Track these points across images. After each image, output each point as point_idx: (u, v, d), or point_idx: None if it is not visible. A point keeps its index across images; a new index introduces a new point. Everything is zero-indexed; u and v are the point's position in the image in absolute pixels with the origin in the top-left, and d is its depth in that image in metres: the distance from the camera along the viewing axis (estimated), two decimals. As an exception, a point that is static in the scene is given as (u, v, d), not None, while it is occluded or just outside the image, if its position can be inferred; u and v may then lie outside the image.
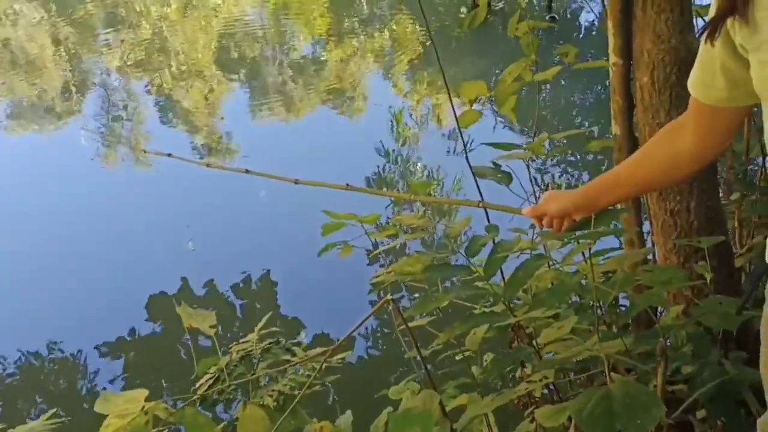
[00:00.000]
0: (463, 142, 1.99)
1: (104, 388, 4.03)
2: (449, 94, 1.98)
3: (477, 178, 1.98)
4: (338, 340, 1.72)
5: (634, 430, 1.20)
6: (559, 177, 4.96)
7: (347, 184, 1.69)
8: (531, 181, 2.18)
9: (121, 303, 4.59)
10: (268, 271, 4.67)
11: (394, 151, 6.25)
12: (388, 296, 1.48)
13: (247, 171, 1.91)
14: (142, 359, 4.18)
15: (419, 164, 6.06)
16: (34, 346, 4.34)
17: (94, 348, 4.27)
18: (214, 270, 4.76)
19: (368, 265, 3.76)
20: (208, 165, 2.01)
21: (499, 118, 5.64)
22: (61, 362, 4.27)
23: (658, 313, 2.26)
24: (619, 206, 1.78)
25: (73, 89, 7.95)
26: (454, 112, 2.01)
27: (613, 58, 1.98)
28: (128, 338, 4.34)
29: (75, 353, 4.31)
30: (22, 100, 7.75)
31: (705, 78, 1.24)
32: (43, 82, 8.19)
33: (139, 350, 4.25)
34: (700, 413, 1.87)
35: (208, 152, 6.62)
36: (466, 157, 1.98)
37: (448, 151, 5.92)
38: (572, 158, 5.19)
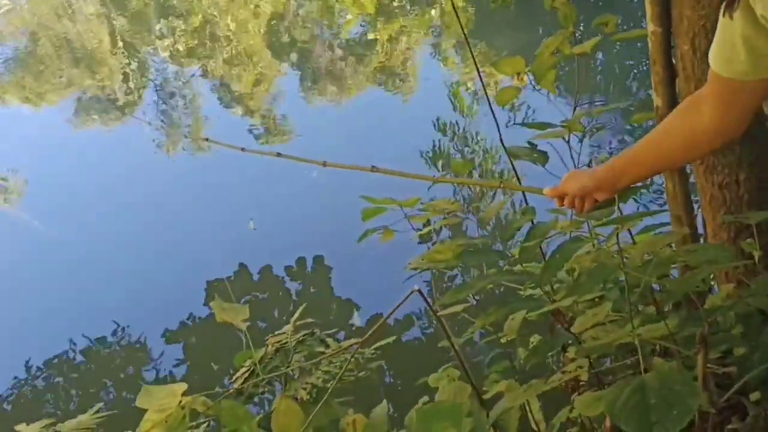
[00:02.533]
0: (496, 121, 1.93)
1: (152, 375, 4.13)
2: (478, 71, 1.92)
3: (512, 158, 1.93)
4: (381, 321, 1.69)
5: (670, 423, 1.14)
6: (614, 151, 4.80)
7: (373, 166, 1.66)
8: (572, 158, 2.10)
9: (181, 288, 4.70)
10: (321, 255, 4.69)
11: (448, 125, 6.18)
12: (416, 287, 1.45)
13: (278, 154, 1.91)
14: (203, 342, 4.27)
15: (476, 138, 5.97)
16: (101, 332, 4.48)
17: (161, 335, 4.37)
18: (271, 251, 4.81)
19: (419, 243, 3.74)
20: (243, 149, 2.01)
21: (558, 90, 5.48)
22: (128, 347, 4.40)
23: (712, 290, 2.17)
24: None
25: (131, 80, 8.13)
26: (485, 91, 1.95)
27: (651, 26, 1.88)
28: (189, 323, 4.44)
29: (140, 338, 4.43)
30: (85, 93, 7.97)
31: (725, 52, 1.18)
32: (102, 74, 8.40)
33: (201, 333, 4.34)
34: (754, 395, 1.79)
35: (264, 133, 6.68)
36: (500, 138, 1.93)
37: (507, 123, 5.79)
38: (628, 128, 5.02)
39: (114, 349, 4.39)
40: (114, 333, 4.47)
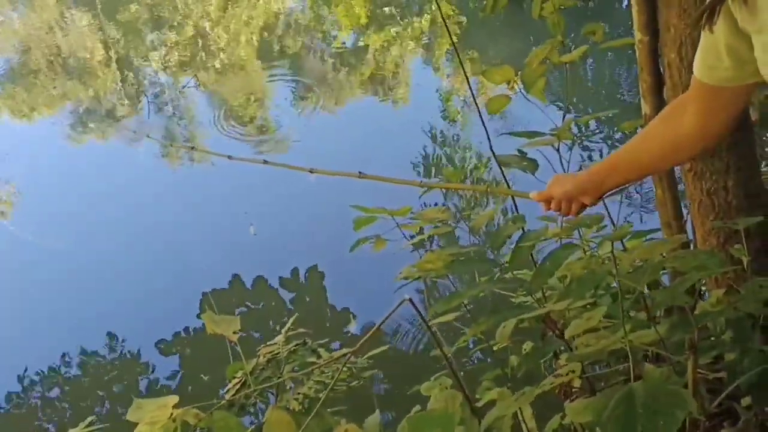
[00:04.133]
0: (486, 130, 1.94)
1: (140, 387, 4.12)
2: (468, 80, 1.94)
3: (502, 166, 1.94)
4: (371, 331, 1.69)
5: (656, 434, 1.15)
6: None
7: (360, 172, 1.68)
8: (562, 165, 2.12)
9: (176, 298, 4.68)
10: (315, 264, 4.69)
11: (440, 134, 6.20)
12: (406, 297, 1.45)
13: (265, 162, 1.93)
14: (199, 353, 4.25)
15: (468, 146, 5.99)
16: (95, 343, 4.45)
17: (156, 347, 4.36)
18: (268, 258, 4.80)
19: (412, 251, 3.74)
20: (230, 157, 2.03)
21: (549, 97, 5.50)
22: (122, 359, 4.38)
23: (703, 295, 2.18)
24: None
25: (125, 91, 8.12)
26: (474, 99, 1.96)
27: (638, 35, 1.90)
28: (184, 334, 4.43)
29: (135, 349, 4.41)
30: (78, 105, 7.96)
31: (709, 59, 1.19)
32: (96, 86, 8.39)
33: (196, 344, 4.33)
34: (746, 400, 1.80)
35: (258, 142, 6.66)
36: (490, 146, 1.94)
37: (500, 134, 5.80)
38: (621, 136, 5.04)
39: (108, 361, 4.37)
40: (109, 345, 4.45)
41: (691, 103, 1.30)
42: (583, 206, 1.53)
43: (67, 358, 4.40)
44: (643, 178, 1.63)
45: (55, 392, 4.22)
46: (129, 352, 4.39)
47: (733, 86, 1.21)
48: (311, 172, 1.84)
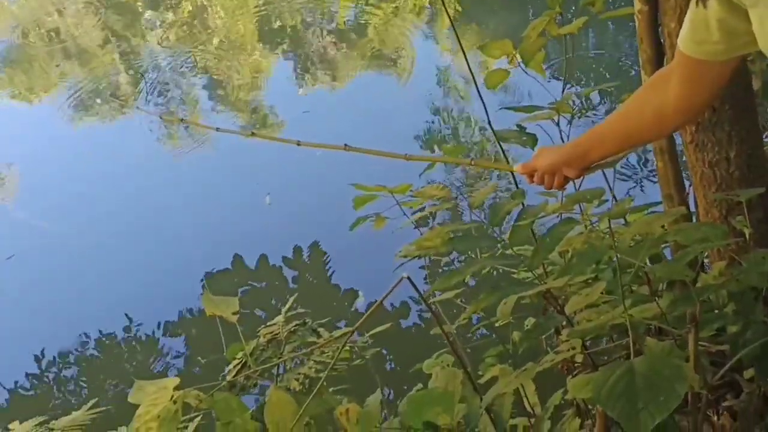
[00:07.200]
0: (484, 105, 1.92)
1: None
2: (465, 55, 1.91)
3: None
4: (371, 309, 1.68)
5: (657, 409, 1.14)
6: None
7: (345, 145, 1.66)
8: (562, 140, 2.09)
9: (182, 280, 4.69)
10: (317, 241, 4.69)
11: (441, 109, 6.17)
12: (404, 275, 1.44)
13: (252, 134, 1.94)
14: (204, 334, 4.26)
15: (468, 121, 5.96)
16: (103, 326, 4.48)
17: (161, 328, 4.38)
18: (272, 239, 4.81)
19: (415, 228, 3.73)
20: (217, 129, 2.07)
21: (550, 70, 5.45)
22: (129, 341, 4.40)
23: (705, 268, 2.16)
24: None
25: (124, 72, 8.08)
26: (473, 74, 1.94)
27: (638, 5, 1.87)
28: (188, 315, 4.44)
29: (140, 331, 4.43)
30: (79, 86, 7.92)
31: (697, 35, 1.17)
32: (94, 67, 8.35)
33: (201, 325, 4.34)
34: (748, 372, 1.79)
35: (258, 122, 6.63)
36: (488, 121, 1.92)
37: (499, 108, 5.76)
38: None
39: (117, 343, 4.40)
40: (117, 327, 4.48)
41: (676, 74, 1.28)
42: (567, 179, 1.50)
43: (84, 339, 4.43)
44: (627, 149, 1.60)
45: (67, 374, 4.26)
46: (136, 333, 4.41)
47: (719, 60, 1.20)
48: (298, 144, 1.83)
